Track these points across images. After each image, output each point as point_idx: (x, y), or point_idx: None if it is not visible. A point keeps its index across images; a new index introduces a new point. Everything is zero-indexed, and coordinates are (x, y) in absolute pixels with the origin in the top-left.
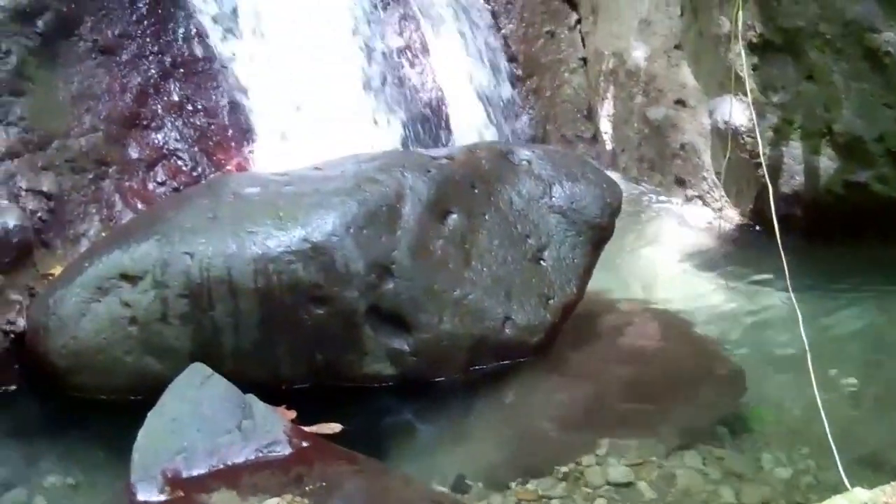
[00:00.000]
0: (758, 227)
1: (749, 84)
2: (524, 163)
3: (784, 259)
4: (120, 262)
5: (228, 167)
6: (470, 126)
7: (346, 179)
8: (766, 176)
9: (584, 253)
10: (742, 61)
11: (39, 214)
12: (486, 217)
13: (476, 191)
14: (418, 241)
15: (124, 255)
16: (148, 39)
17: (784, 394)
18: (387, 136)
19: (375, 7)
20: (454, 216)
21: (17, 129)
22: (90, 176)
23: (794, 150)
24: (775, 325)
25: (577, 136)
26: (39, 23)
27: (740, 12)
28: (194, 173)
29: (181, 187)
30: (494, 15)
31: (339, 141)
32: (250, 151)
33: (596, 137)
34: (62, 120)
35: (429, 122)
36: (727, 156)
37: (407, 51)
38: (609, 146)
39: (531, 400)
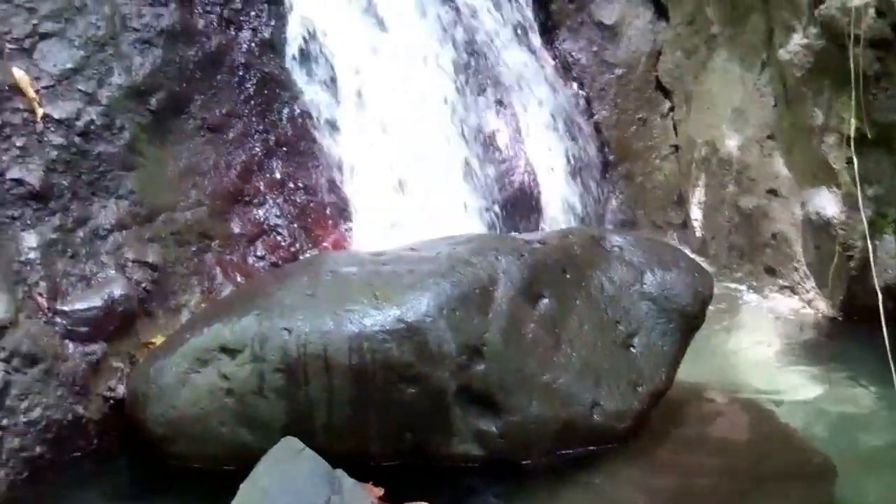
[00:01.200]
0: (848, 320)
1: (843, 177)
2: (616, 249)
3: (890, 354)
4: (220, 334)
5: (325, 244)
6: (561, 210)
7: (440, 261)
8: (868, 267)
9: (674, 341)
10: (837, 153)
11: (144, 285)
12: (577, 302)
13: (568, 276)
14: (510, 324)
15: (225, 329)
16: (254, 119)
17: (877, 492)
18: (479, 217)
19: (472, 90)
20: (546, 300)
21: (126, 202)
22: (193, 248)
23: (888, 243)
24: (868, 420)
25: (667, 223)
26: (152, 101)
27: (842, 106)
28: (292, 249)
29: (279, 262)
30: (588, 101)
31: (433, 220)
32: (347, 229)
33: (686, 224)
34: (170, 194)
35: (520, 205)
36: (819, 247)
37: (501, 133)
38: (699, 233)
39: (617, 487)
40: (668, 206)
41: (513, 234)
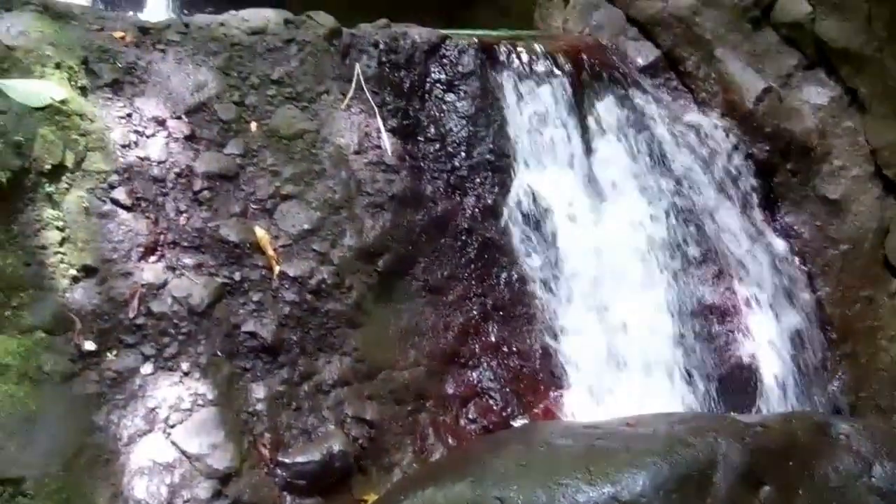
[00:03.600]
0: None
1: None
2: (842, 437)
3: None
4: (433, 499)
5: (537, 410)
6: (779, 388)
7: (657, 440)
8: None
9: None
10: None
11: (360, 441)
12: (800, 492)
13: (791, 463)
14: None
15: (438, 493)
16: (473, 282)
17: None
18: (693, 391)
19: (690, 261)
20: (767, 488)
21: (350, 358)
22: (409, 408)
23: None
24: None
25: (892, 407)
26: (380, 262)
27: None
28: (504, 413)
29: (490, 426)
30: (810, 276)
31: (646, 392)
32: (559, 396)
33: None
34: (390, 353)
35: (736, 381)
36: None
37: (718, 306)
38: None
39: None
40: (895, 390)
41: (732, 413)
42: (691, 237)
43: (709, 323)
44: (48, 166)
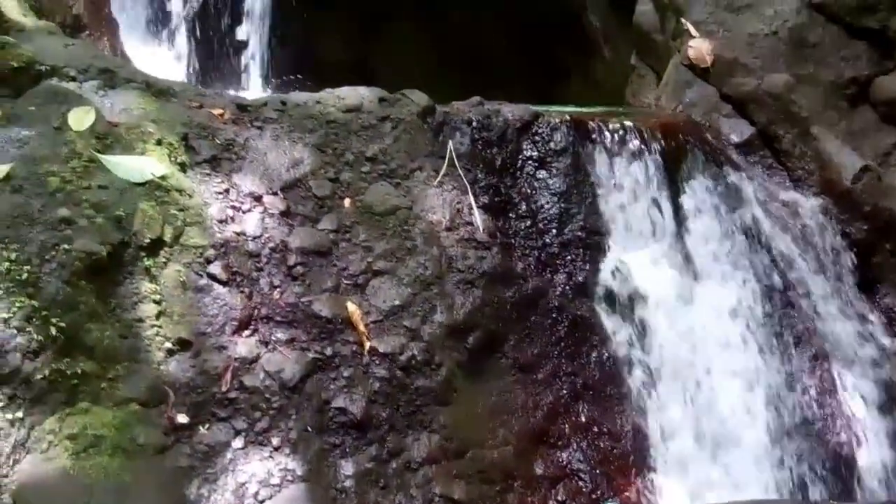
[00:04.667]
0: None
1: None
2: None
3: None
4: None
5: (627, 493)
6: (880, 479)
7: None
8: None
9: None
10: None
11: None
12: None
13: None
14: None
15: None
16: (563, 360)
17: None
18: (788, 477)
19: (785, 343)
20: None
21: (438, 436)
22: (497, 488)
23: None
24: None
25: None
26: (470, 339)
27: None
28: (593, 496)
29: None
30: None
31: (740, 477)
32: (650, 479)
33: None
34: (479, 431)
35: (832, 469)
36: None
37: (814, 391)
38: None
39: None
40: None
41: (831, 501)
42: (787, 318)
43: (805, 406)
44: (147, 240)
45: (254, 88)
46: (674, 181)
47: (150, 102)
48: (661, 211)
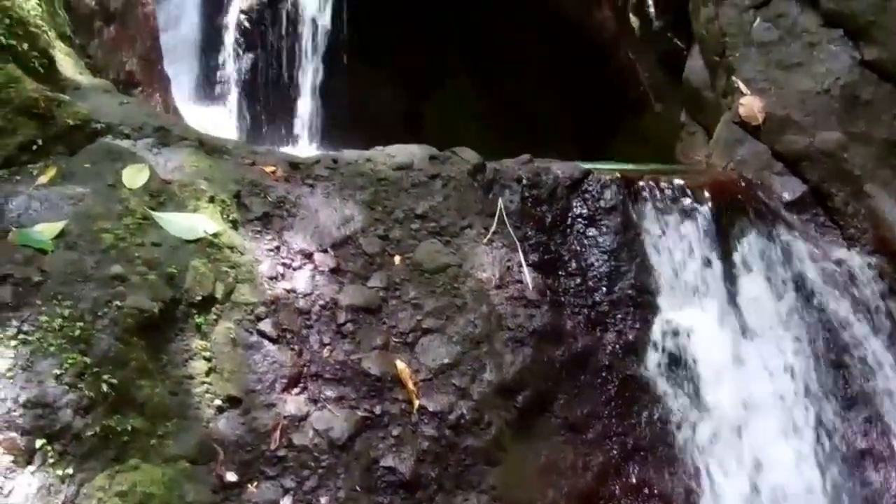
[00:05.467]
0: None
1: None
2: None
3: None
4: None
5: None
6: None
7: None
8: None
9: None
10: None
11: None
12: None
13: None
14: None
15: None
16: (613, 420)
17: None
18: None
19: (840, 405)
20: None
21: (487, 496)
22: None
23: None
24: None
25: None
26: (519, 398)
27: None
28: None
29: None
30: None
31: None
32: None
33: None
34: (528, 492)
35: None
36: None
37: (870, 454)
38: None
39: None
40: None
41: None
42: (840, 379)
43: (861, 469)
44: (199, 297)
45: (303, 143)
46: (725, 240)
47: (203, 160)
48: (712, 269)
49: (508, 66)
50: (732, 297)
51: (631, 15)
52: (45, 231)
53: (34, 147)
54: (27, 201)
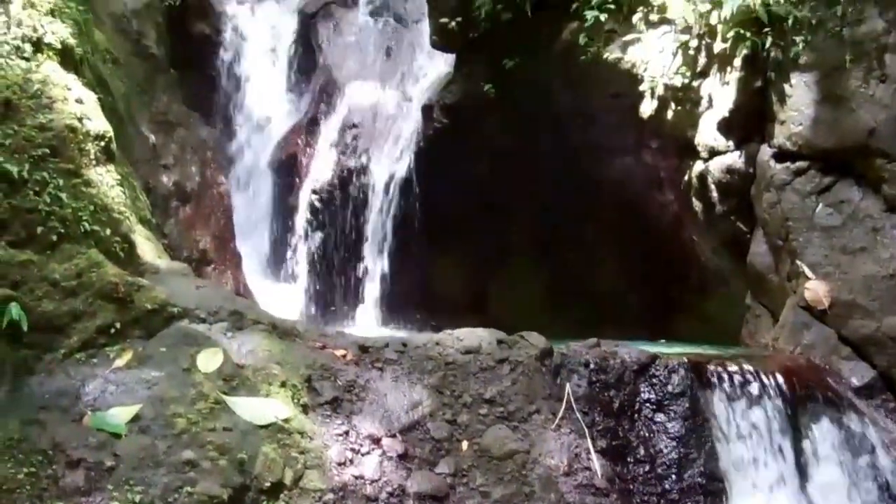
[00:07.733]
0: None
1: None
2: None
3: None
4: None
5: None
6: None
7: None
8: None
9: None
10: None
11: None
12: None
13: None
14: None
15: None
16: None
17: None
18: None
19: None
20: None
21: None
22: None
23: None
24: None
25: None
26: None
27: None
28: None
29: None
30: None
31: None
32: None
33: None
34: None
35: None
36: None
37: None
38: None
39: None
40: None
41: None
42: None
43: None
44: (268, 484)
45: (370, 320)
46: (795, 426)
47: (275, 344)
48: (783, 457)
49: (571, 243)
50: (804, 486)
51: (694, 199)
52: (120, 415)
53: (112, 330)
54: (103, 384)
